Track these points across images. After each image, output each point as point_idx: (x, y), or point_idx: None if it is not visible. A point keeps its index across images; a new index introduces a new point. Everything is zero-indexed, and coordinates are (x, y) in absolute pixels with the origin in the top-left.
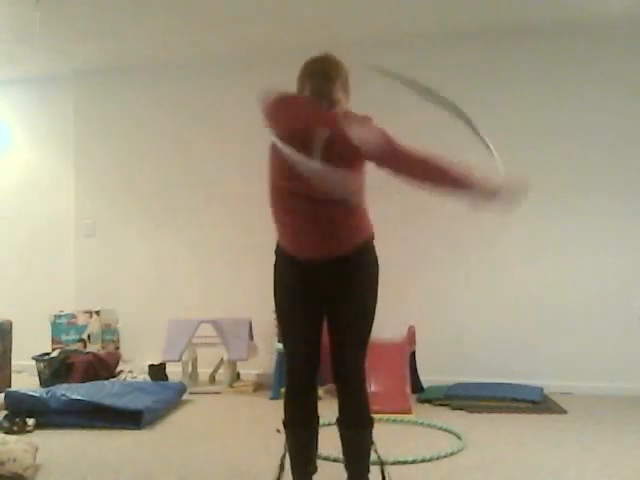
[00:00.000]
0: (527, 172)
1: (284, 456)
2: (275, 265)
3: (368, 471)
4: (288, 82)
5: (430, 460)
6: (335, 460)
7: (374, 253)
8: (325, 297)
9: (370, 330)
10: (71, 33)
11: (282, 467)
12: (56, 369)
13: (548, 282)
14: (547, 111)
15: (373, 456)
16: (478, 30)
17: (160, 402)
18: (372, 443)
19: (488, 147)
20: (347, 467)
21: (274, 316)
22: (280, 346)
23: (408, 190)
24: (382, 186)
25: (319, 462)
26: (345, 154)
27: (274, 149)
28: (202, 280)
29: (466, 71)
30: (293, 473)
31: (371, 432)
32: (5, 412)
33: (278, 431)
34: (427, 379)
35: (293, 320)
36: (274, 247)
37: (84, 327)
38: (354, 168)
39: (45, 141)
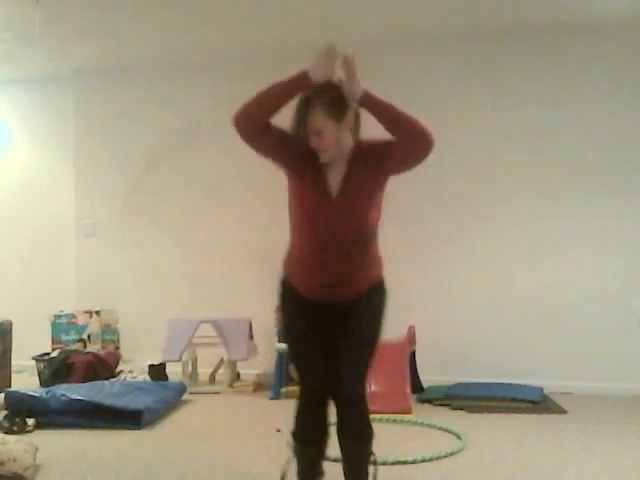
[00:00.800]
0: (527, 172)
1: (288, 464)
2: (287, 300)
3: (367, 477)
4: None
5: (430, 460)
6: (335, 460)
7: (385, 290)
8: (334, 328)
9: (373, 358)
10: (71, 33)
11: (283, 478)
12: (56, 369)
13: (548, 282)
14: (547, 111)
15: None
16: (477, 30)
17: (160, 402)
18: (372, 454)
19: None
20: (346, 475)
21: (274, 316)
22: (280, 346)
23: (408, 191)
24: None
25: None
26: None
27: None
28: (202, 280)
29: (466, 71)
30: None
31: (371, 444)
32: (5, 412)
33: (278, 430)
34: (427, 379)
35: (308, 350)
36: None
37: (84, 327)
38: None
39: (45, 141)
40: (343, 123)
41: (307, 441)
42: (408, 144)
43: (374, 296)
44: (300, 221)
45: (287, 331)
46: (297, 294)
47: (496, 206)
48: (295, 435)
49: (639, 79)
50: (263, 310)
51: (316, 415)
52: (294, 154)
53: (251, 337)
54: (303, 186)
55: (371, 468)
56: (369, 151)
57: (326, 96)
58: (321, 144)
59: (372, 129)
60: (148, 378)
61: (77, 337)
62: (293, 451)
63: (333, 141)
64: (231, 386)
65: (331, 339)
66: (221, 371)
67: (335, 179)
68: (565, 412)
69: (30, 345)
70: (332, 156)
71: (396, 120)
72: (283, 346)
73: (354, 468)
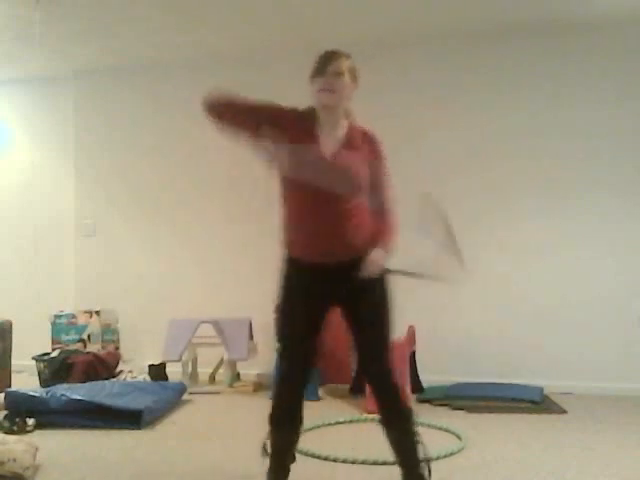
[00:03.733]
0: (527, 172)
1: (266, 444)
2: (288, 271)
3: (419, 463)
4: (288, 81)
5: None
6: (326, 459)
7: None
8: (340, 298)
9: (391, 328)
10: (71, 33)
11: (265, 451)
12: (56, 369)
13: (548, 282)
14: (547, 111)
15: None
16: (478, 30)
17: (160, 402)
18: (417, 433)
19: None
20: (400, 464)
21: (275, 316)
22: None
23: (408, 191)
24: None
25: (309, 460)
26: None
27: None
28: (202, 280)
29: (466, 71)
30: (271, 466)
31: (414, 422)
32: (5, 412)
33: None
34: (427, 379)
35: (296, 318)
36: (275, 251)
37: (84, 327)
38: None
39: (45, 141)
40: (354, 84)
41: (281, 423)
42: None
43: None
44: (297, 183)
45: (283, 293)
46: (300, 267)
47: (496, 206)
48: (271, 418)
49: (639, 79)
50: (263, 310)
51: (292, 394)
52: (283, 122)
53: (251, 337)
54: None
55: (421, 448)
56: (365, 138)
57: (348, 58)
58: (334, 83)
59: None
60: (148, 378)
61: (77, 337)
62: (268, 435)
63: (345, 89)
64: (231, 386)
65: (325, 307)
66: (221, 371)
67: (330, 142)
68: (565, 412)
69: (30, 345)
70: (334, 101)
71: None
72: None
73: (406, 446)
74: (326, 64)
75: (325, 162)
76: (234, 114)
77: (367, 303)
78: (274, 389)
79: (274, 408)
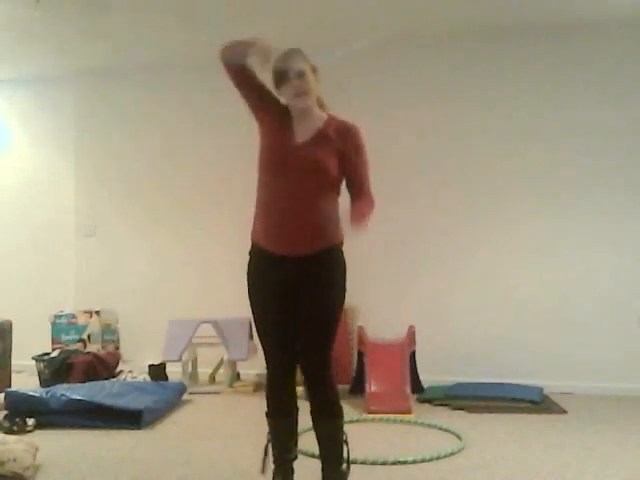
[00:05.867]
0: (527, 172)
1: (267, 445)
2: (251, 265)
3: (341, 461)
4: None
5: (430, 460)
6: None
7: (341, 258)
8: (297, 292)
9: (333, 329)
10: (71, 33)
11: (266, 453)
12: (56, 369)
13: (548, 282)
14: (546, 111)
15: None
16: (478, 30)
17: (160, 402)
18: (343, 432)
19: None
20: (322, 456)
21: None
22: None
23: (407, 191)
24: (383, 189)
25: (307, 460)
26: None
27: (273, 131)
28: (202, 280)
29: (466, 71)
30: (275, 460)
31: (342, 421)
32: (5, 412)
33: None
34: (427, 379)
35: (272, 314)
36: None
37: (84, 327)
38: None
39: (45, 141)
40: (316, 76)
41: (278, 415)
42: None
43: (329, 263)
44: (267, 168)
45: (253, 286)
46: (264, 255)
47: (496, 206)
48: (267, 412)
49: (639, 79)
50: None
51: (284, 387)
52: (271, 105)
53: (251, 337)
54: (274, 131)
55: (345, 448)
56: (340, 131)
57: (301, 54)
58: (302, 85)
59: None
60: (148, 378)
61: (77, 337)
62: (268, 429)
63: (311, 86)
64: (231, 386)
65: (292, 304)
66: (221, 371)
67: (303, 133)
68: (565, 412)
69: (30, 345)
70: (310, 102)
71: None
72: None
73: (327, 446)
74: (285, 69)
75: (294, 149)
76: (247, 77)
77: (317, 295)
78: (266, 383)
79: (269, 400)
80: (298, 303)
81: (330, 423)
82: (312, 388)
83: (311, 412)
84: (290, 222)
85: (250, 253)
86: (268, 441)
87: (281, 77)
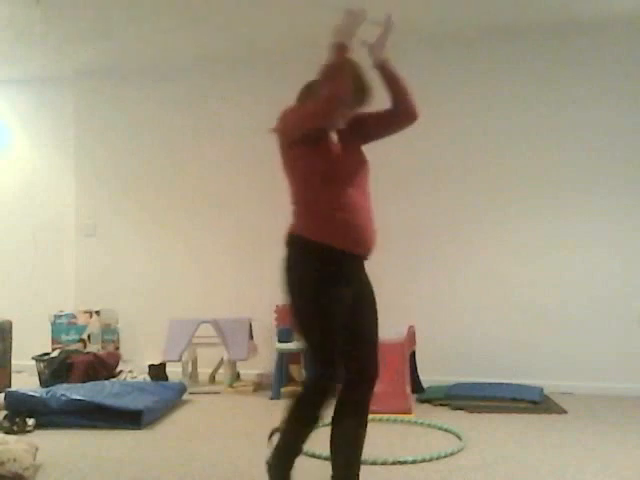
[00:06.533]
0: (527, 172)
1: (276, 430)
2: (312, 265)
3: (359, 465)
4: (288, 82)
5: (430, 460)
6: (327, 459)
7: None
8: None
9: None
10: (71, 33)
11: (272, 439)
12: (56, 369)
13: (548, 282)
14: (547, 111)
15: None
16: (478, 30)
17: (160, 402)
18: None
19: None
20: (339, 459)
21: (274, 316)
22: (280, 346)
23: (408, 191)
24: (382, 188)
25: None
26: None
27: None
28: (202, 280)
29: (466, 71)
30: (280, 457)
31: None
32: (5, 412)
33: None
34: (427, 379)
35: (340, 317)
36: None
37: (84, 327)
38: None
39: (45, 141)
40: None
41: (309, 423)
42: (400, 117)
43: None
44: (339, 180)
45: (322, 299)
46: (335, 255)
47: (496, 206)
48: (295, 419)
49: (639, 79)
50: (263, 310)
51: (325, 401)
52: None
53: (251, 337)
54: (329, 148)
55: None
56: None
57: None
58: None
59: None
60: (148, 378)
61: (77, 337)
62: (284, 428)
63: None
64: (231, 386)
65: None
66: (221, 371)
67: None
68: (565, 412)
69: (30, 345)
70: None
71: (404, 92)
72: (283, 346)
73: (352, 450)
74: (367, 101)
75: (347, 157)
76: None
77: (369, 292)
78: (310, 392)
79: (304, 410)
80: (358, 302)
81: (363, 429)
82: (360, 389)
83: (341, 412)
84: (370, 220)
85: (308, 253)
86: (276, 429)
87: (358, 99)
